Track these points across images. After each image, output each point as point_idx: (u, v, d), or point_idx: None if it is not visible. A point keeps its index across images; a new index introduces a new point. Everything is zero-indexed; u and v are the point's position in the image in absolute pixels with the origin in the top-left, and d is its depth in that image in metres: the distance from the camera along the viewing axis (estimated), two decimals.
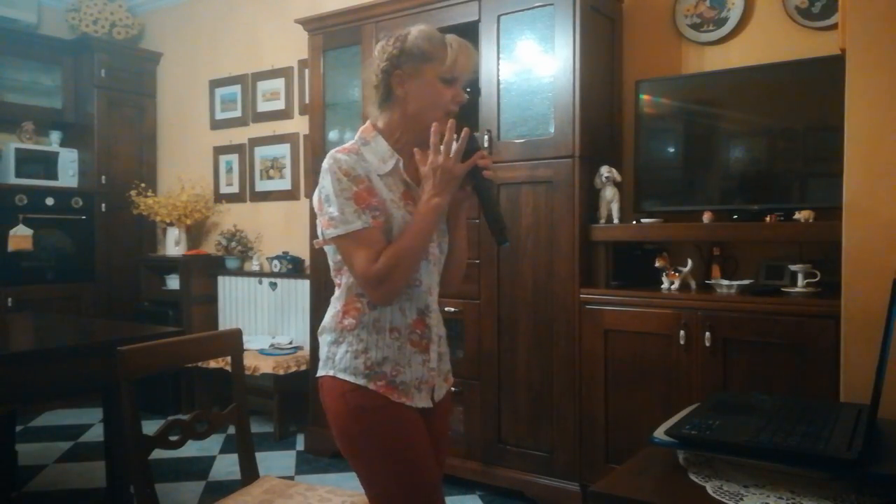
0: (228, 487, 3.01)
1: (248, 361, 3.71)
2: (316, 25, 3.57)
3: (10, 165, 4.49)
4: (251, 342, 4.06)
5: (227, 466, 3.45)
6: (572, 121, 2.77)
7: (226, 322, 4.54)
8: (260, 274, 4.39)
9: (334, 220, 1.40)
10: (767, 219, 2.51)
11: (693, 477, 1.09)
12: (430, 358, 1.52)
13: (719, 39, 2.95)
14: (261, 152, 4.57)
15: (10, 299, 4.32)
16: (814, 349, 2.25)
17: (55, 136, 4.89)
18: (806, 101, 2.59)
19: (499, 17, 2.95)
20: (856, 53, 1.60)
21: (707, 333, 2.44)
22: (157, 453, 1.78)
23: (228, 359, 2.15)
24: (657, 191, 2.91)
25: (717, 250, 2.81)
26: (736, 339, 2.41)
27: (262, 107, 4.56)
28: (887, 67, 1.55)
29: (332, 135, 3.57)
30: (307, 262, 4.08)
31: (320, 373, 1.51)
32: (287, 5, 4.31)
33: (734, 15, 2.91)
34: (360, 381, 1.45)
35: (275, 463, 3.50)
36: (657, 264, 2.72)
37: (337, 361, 1.47)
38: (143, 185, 4.84)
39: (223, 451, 3.70)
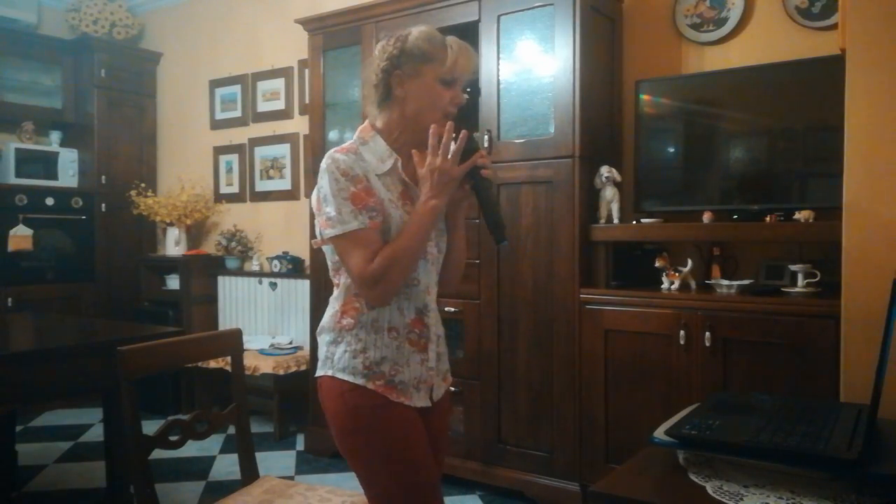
0: (228, 487, 3.01)
1: (248, 361, 3.71)
2: (316, 25, 3.57)
3: (10, 165, 4.49)
4: (251, 342, 4.06)
5: (227, 466, 3.45)
6: (572, 121, 2.77)
7: (226, 322, 4.54)
8: (260, 274, 4.39)
9: (331, 220, 1.40)
10: (767, 219, 2.51)
11: (693, 477, 1.10)
12: (429, 357, 1.52)
13: (719, 39, 2.95)
14: (261, 152, 4.57)
15: (10, 299, 4.32)
16: (814, 349, 2.24)
17: (55, 136, 4.89)
18: (806, 101, 2.59)
19: (499, 17, 2.95)
20: (856, 53, 1.60)
21: (707, 333, 2.44)
22: (157, 453, 1.78)
23: (228, 359, 2.15)
24: (657, 191, 2.91)
25: (717, 250, 2.81)
26: (736, 339, 2.41)
27: (262, 107, 4.56)
28: (887, 67, 1.56)
29: (332, 135, 3.57)
30: (307, 262, 4.08)
31: (319, 373, 1.51)
32: (287, 5, 4.31)
33: (734, 15, 2.91)
34: (359, 381, 1.45)
35: (275, 463, 3.50)
36: (657, 264, 2.72)
37: (336, 361, 1.47)
38: (143, 185, 4.84)
39: (223, 451, 3.70)
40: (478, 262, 3.00)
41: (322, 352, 1.52)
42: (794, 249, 2.67)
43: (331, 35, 3.52)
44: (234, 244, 4.54)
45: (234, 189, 4.73)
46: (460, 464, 3.05)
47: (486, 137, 2.96)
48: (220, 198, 4.78)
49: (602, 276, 2.79)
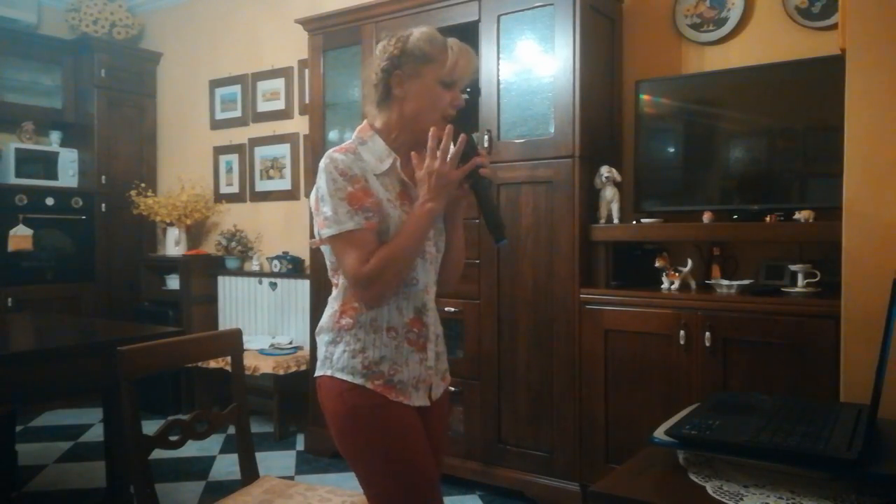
0: (228, 487, 3.01)
1: (248, 361, 3.71)
2: (316, 25, 3.57)
3: (10, 165, 4.49)
4: (251, 342, 4.06)
5: (227, 466, 3.45)
6: (572, 121, 2.77)
7: (226, 322, 4.54)
8: (260, 274, 4.39)
9: (328, 219, 1.41)
10: (767, 219, 2.51)
11: (693, 477, 1.09)
12: (428, 357, 1.52)
13: (719, 39, 2.95)
14: (261, 152, 4.57)
15: (10, 299, 4.32)
16: (814, 349, 2.24)
17: (55, 136, 4.89)
18: (806, 101, 2.59)
19: (499, 17, 2.95)
20: (856, 53, 1.60)
21: (707, 333, 2.44)
22: (157, 453, 1.78)
23: (228, 359, 2.15)
24: (657, 191, 2.91)
25: (717, 250, 2.81)
26: (736, 339, 2.41)
27: (262, 107, 4.56)
28: (887, 67, 1.55)
29: (332, 135, 3.57)
30: (307, 262, 4.08)
31: (318, 373, 1.52)
32: (287, 5, 4.31)
33: (734, 15, 2.91)
34: (358, 381, 1.45)
35: (275, 463, 3.50)
36: (657, 264, 2.72)
37: (335, 361, 1.47)
38: (143, 185, 4.84)
39: (223, 451, 3.70)
40: (478, 262, 3.00)
41: (321, 352, 1.52)
42: (794, 249, 2.67)
43: (331, 35, 3.52)
44: (234, 244, 4.54)
45: (234, 189, 4.73)
46: (460, 464, 3.05)
47: (486, 137, 2.96)
48: (220, 198, 4.78)
49: (602, 276, 2.79)
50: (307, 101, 3.81)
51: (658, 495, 1.08)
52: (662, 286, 2.69)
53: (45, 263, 4.55)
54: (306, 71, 3.85)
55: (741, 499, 1.00)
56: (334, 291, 1.53)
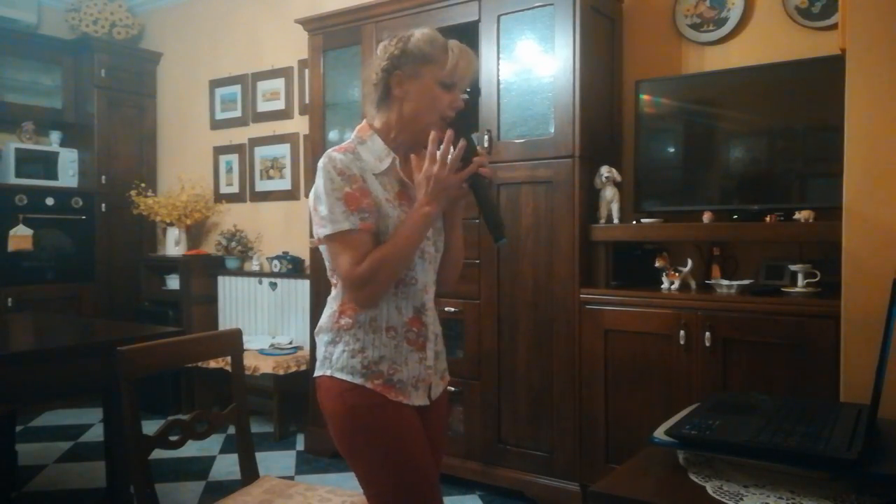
0: (228, 487, 3.01)
1: (248, 361, 3.71)
2: (316, 25, 3.57)
3: (10, 165, 4.49)
4: (251, 342, 4.06)
5: (227, 466, 3.45)
6: (572, 121, 2.77)
7: (226, 322, 4.54)
8: (260, 274, 4.39)
9: (324, 219, 1.41)
10: (767, 219, 2.51)
11: (693, 477, 1.09)
12: (427, 356, 1.52)
13: (719, 39, 2.95)
14: (261, 152, 4.57)
15: (10, 299, 4.32)
16: (814, 349, 2.24)
17: (55, 136, 4.89)
18: (806, 101, 2.59)
19: (499, 17, 2.95)
20: (856, 53, 1.60)
21: (707, 333, 2.44)
22: (157, 453, 1.78)
23: (228, 359, 2.15)
24: (657, 191, 2.91)
25: (717, 250, 2.81)
26: (736, 339, 2.41)
27: (262, 107, 4.56)
28: (887, 67, 1.55)
29: (332, 135, 3.57)
30: (307, 262, 4.08)
31: (318, 373, 1.52)
32: (287, 5, 4.31)
33: (734, 15, 2.91)
34: (358, 381, 1.45)
35: (275, 463, 3.50)
36: (657, 264, 2.72)
37: (334, 361, 1.47)
38: (143, 185, 4.84)
39: (223, 451, 3.70)
40: (478, 262, 3.00)
41: (320, 352, 1.52)
42: (794, 249, 2.67)
43: (331, 35, 3.52)
44: (234, 244, 4.54)
45: (234, 189, 4.73)
46: (460, 464, 3.05)
47: (486, 137, 2.96)
48: (220, 198, 4.78)
49: (602, 276, 2.79)
50: (307, 101, 3.81)
51: (658, 495, 1.08)
52: (662, 286, 2.69)
53: (45, 263, 4.55)
54: (306, 71, 3.85)
55: (741, 499, 1.00)
56: (333, 291, 1.53)
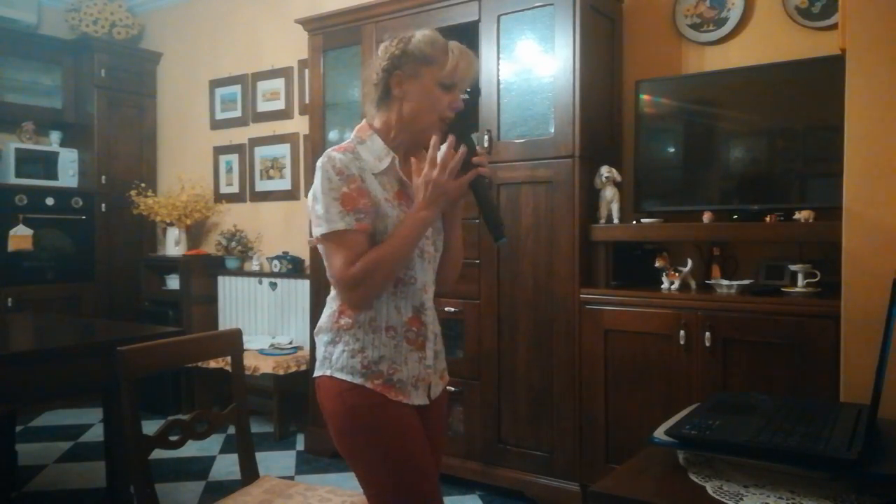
0: (228, 487, 3.01)
1: (248, 361, 3.71)
2: (316, 25, 3.57)
3: (10, 165, 4.49)
4: (251, 342, 4.06)
5: (227, 466, 3.45)
6: (572, 121, 2.77)
7: (226, 322, 4.54)
8: (260, 274, 4.39)
9: (319, 218, 1.42)
10: (767, 219, 2.51)
11: (693, 477, 1.09)
12: (427, 355, 1.53)
13: (719, 39, 2.95)
14: (261, 152, 4.57)
15: (10, 299, 4.32)
16: (814, 349, 2.24)
17: (55, 136, 4.89)
18: (806, 101, 2.59)
19: (499, 17, 2.95)
20: (856, 53, 1.60)
21: (707, 333, 2.44)
22: (157, 453, 1.78)
23: (228, 359, 2.15)
24: (657, 191, 2.91)
25: (717, 250, 2.81)
26: (736, 339, 2.41)
27: (262, 107, 4.56)
28: (887, 67, 1.56)
29: (332, 135, 3.57)
30: (307, 262, 4.08)
31: (317, 373, 1.52)
32: (287, 5, 4.31)
33: (734, 15, 2.91)
34: (358, 380, 1.45)
35: (275, 463, 3.50)
36: (657, 264, 2.72)
37: (334, 361, 1.48)
38: (143, 185, 4.84)
39: (223, 451, 3.70)
40: (478, 261, 3.00)
41: (320, 352, 1.52)
42: (794, 249, 2.67)
43: (331, 35, 3.52)
44: (234, 244, 4.54)
45: (234, 189, 4.73)
46: (460, 464, 3.05)
47: (486, 137, 2.96)
48: (220, 198, 4.78)
49: (602, 276, 2.79)
50: (307, 101, 3.81)
51: (658, 495, 1.08)
52: (662, 286, 2.69)
53: (45, 263, 4.55)
54: (306, 71, 3.85)
55: (741, 499, 1.00)
56: (333, 291, 1.53)
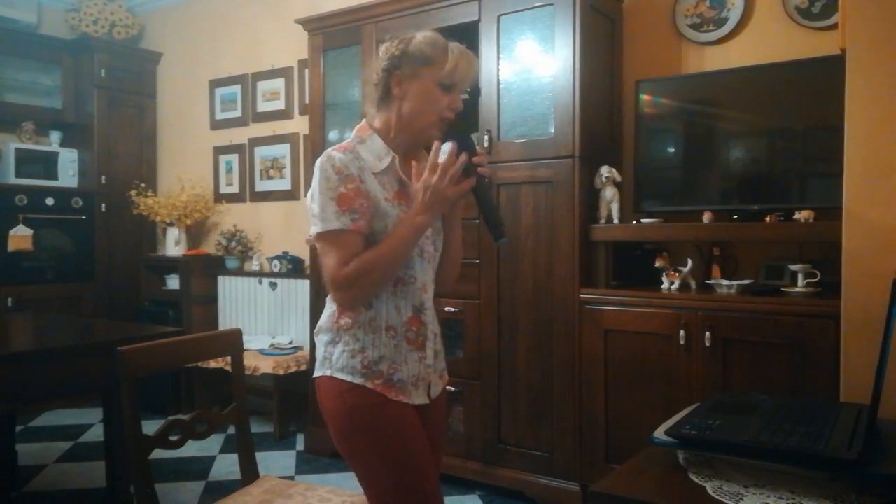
0: (228, 487, 3.01)
1: (248, 361, 3.71)
2: (316, 25, 3.57)
3: (10, 165, 4.49)
4: (251, 342, 4.06)
5: (227, 466, 3.45)
6: (572, 121, 2.77)
7: (226, 322, 4.54)
8: (260, 274, 4.39)
9: (315, 216, 1.42)
10: (767, 219, 2.51)
11: (693, 477, 1.09)
12: (427, 355, 1.53)
13: (719, 39, 2.95)
14: (261, 152, 4.57)
15: (10, 299, 4.32)
16: (814, 349, 2.24)
17: (55, 136, 4.89)
18: (806, 101, 2.59)
19: (499, 17, 2.95)
20: (856, 53, 1.60)
21: (707, 333, 2.44)
22: (157, 453, 1.78)
23: (228, 359, 2.15)
24: (657, 191, 2.91)
25: (717, 250, 2.81)
26: (736, 339, 2.41)
27: (262, 107, 4.56)
28: (887, 67, 1.56)
29: (332, 135, 3.57)
30: (307, 262, 4.08)
31: (317, 373, 1.52)
32: (287, 5, 4.31)
33: (734, 15, 2.91)
34: (358, 380, 1.45)
35: (275, 463, 3.50)
36: (657, 264, 2.72)
37: (334, 361, 1.48)
38: (143, 185, 4.84)
39: (223, 451, 3.70)
40: (478, 262, 3.00)
41: (320, 352, 1.52)
42: (794, 249, 2.67)
43: (331, 35, 3.52)
44: (234, 244, 4.54)
45: (234, 189, 4.73)
46: (460, 464, 3.05)
47: (486, 137, 2.96)
48: (220, 198, 4.78)
49: (602, 276, 2.79)
50: (307, 101, 3.81)
51: (658, 495, 1.08)
52: (662, 286, 2.69)
53: (45, 263, 4.55)
54: (306, 71, 3.85)
55: (741, 499, 1.00)
56: None
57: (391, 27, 3.22)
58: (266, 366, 3.81)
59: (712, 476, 1.09)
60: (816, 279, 2.43)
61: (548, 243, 2.85)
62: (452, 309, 3.06)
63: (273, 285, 4.31)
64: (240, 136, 4.69)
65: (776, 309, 2.35)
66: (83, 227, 4.73)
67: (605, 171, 2.79)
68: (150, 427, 1.69)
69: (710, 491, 1.04)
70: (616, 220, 2.81)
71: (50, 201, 4.55)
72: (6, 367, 2.12)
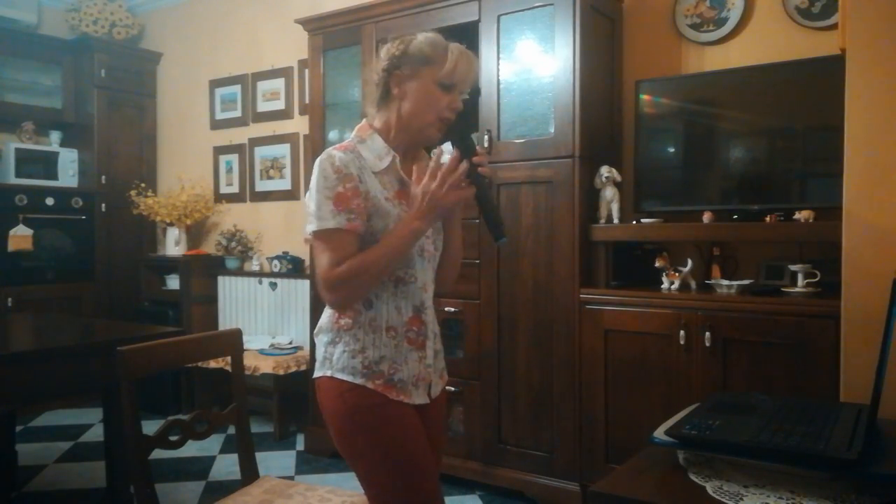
0: (228, 487, 3.01)
1: (248, 361, 3.71)
2: (316, 25, 3.57)
3: (10, 165, 4.49)
4: (251, 342, 4.06)
5: (227, 466, 3.45)
6: (572, 121, 2.77)
7: (226, 322, 4.54)
8: (260, 274, 4.39)
9: (311, 215, 1.42)
10: (767, 219, 2.51)
11: (693, 477, 1.09)
12: (427, 354, 1.53)
13: (719, 39, 2.95)
14: (261, 152, 4.57)
15: (10, 299, 4.32)
16: (814, 349, 2.24)
17: (55, 136, 4.89)
18: (806, 101, 2.59)
19: (499, 17, 2.95)
20: (856, 53, 1.60)
21: (707, 333, 2.44)
22: (157, 453, 1.78)
23: (228, 359, 2.15)
24: (657, 191, 2.91)
25: (717, 250, 2.81)
26: (736, 339, 2.41)
27: (262, 107, 4.56)
28: (887, 67, 1.56)
29: (332, 135, 3.57)
30: (307, 262, 4.08)
31: (317, 374, 1.52)
32: (287, 5, 4.31)
33: (734, 15, 2.91)
34: (359, 381, 1.45)
35: (275, 463, 3.50)
36: (657, 264, 2.72)
37: (334, 361, 1.47)
38: (143, 185, 4.84)
39: (223, 451, 3.70)
40: (478, 261, 3.00)
41: (320, 352, 1.52)
42: (794, 249, 2.67)
43: (331, 35, 3.52)
44: (234, 244, 4.54)
45: (234, 189, 4.73)
46: (460, 464, 3.05)
47: (486, 137, 2.96)
48: (220, 198, 4.78)
49: (602, 276, 2.79)
50: (307, 101, 3.81)
51: (658, 495, 1.08)
52: (662, 286, 2.69)
53: (45, 263, 4.55)
54: (306, 71, 3.85)
55: (741, 499, 1.00)
56: None
57: (391, 27, 3.23)
58: (266, 366, 3.81)
59: (712, 476, 1.09)
60: (816, 279, 2.43)
61: (548, 243, 2.84)
62: (452, 309, 3.06)
63: (273, 285, 4.31)
64: (240, 136, 4.69)
65: (776, 309, 2.35)
66: (83, 227, 4.73)
67: (605, 171, 2.79)
68: (150, 427, 1.69)
69: (710, 491, 1.04)
70: (616, 220, 2.81)
71: (50, 201, 4.55)
72: (6, 367, 2.12)
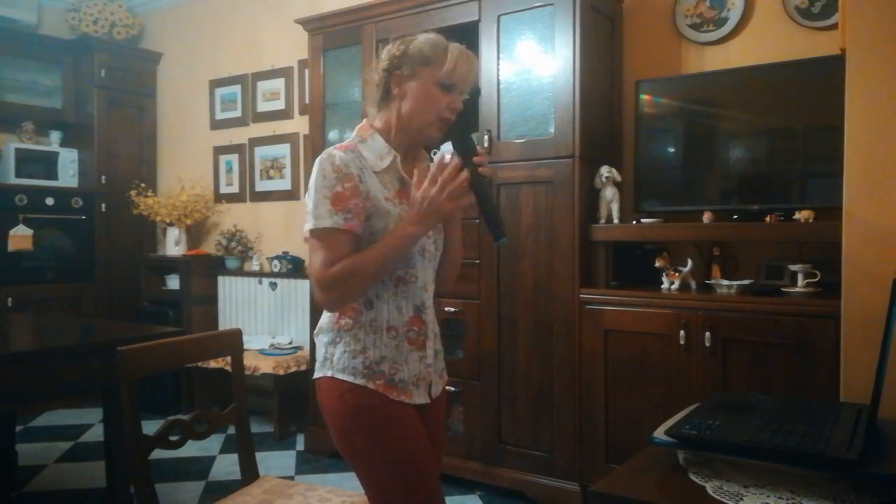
0: (228, 487, 3.01)
1: (248, 361, 3.71)
2: (316, 25, 3.57)
3: (10, 165, 4.49)
4: (251, 342, 4.06)
5: (227, 466, 3.45)
6: (572, 121, 2.77)
7: (226, 322, 4.54)
8: (260, 274, 4.39)
9: (308, 213, 1.42)
10: (767, 219, 2.51)
11: (693, 477, 1.10)
12: (427, 354, 1.53)
13: (719, 39, 2.95)
14: (261, 152, 4.57)
15: (10, 299, 4.32)
16: (814, 349, 2.24)
17: (55, 136, 4.89)
18: (806, 101, 2.59)
19: (499, 17, 2.95)
20: (856, 53, 1.60)
21: (707, 333, 2.44)
22: (157, 453, 1.78)
23: (228, 359, 2.15)
24: (657, 191, 2.91)
25: (717, 250, 2.81)
26: (736, 339, 2.41)
27: (262, 107, 4.56)
28: (887, 67, 1.56)
29: (332, 135, 3.57)
30: (307, 262, 4.08)
31: (317, 374, 1.51)
32: (287, 5, 4.31)
33: (734, 15, 2.91)
34: (359, 381, 1.45)
35: (275, 463, 3.50)
36: (657, 264, 2.72)
37: (335, 362, 1.47)
38: (143, 185, 4.84)
39: (223, 451, 3.70)
40: (478, 262, 3.00)
41: (320, 353, 1.52)
42: (794, 249, 2.67)
43: (331, 35, 3.52)
44: (234, 244, 4.54)
45: (234, 189, 4.73)
46: (460, 464, 3.05)
47: (486, 137, 2.96)
48: (220, 198, 4.78)
49: (602, 276, 2.79)
50: (307, 101, 3.81)
51: (658, 495, 1.08)
52: (662, 286, 2.69)
53: (45, 263, 4.55)
54: (306, 71, 3.85)
55: (741, 499, 1.00)
56: None
57: (391, 27, 3.23)
58: (266, 366, 3.81)
59: (712, 476, 1.09)
60: (816, 279, 2.43)
61: (548, 243, 2.84)
62: (452, 309, 3.06)
63: (273, 285, 4.31)
64: (240, 136, 4.69)
65: (776, 309, 2.35)
66: (83, 227, 4.73)
67: (605, 171, 2.79)
68: (150, 427, 1.69)
69: (710, 491, 1.04)
70: (616, 220, 2.81)
71: (50, 201, 4.55)
72: (6, 367, 2.12)
